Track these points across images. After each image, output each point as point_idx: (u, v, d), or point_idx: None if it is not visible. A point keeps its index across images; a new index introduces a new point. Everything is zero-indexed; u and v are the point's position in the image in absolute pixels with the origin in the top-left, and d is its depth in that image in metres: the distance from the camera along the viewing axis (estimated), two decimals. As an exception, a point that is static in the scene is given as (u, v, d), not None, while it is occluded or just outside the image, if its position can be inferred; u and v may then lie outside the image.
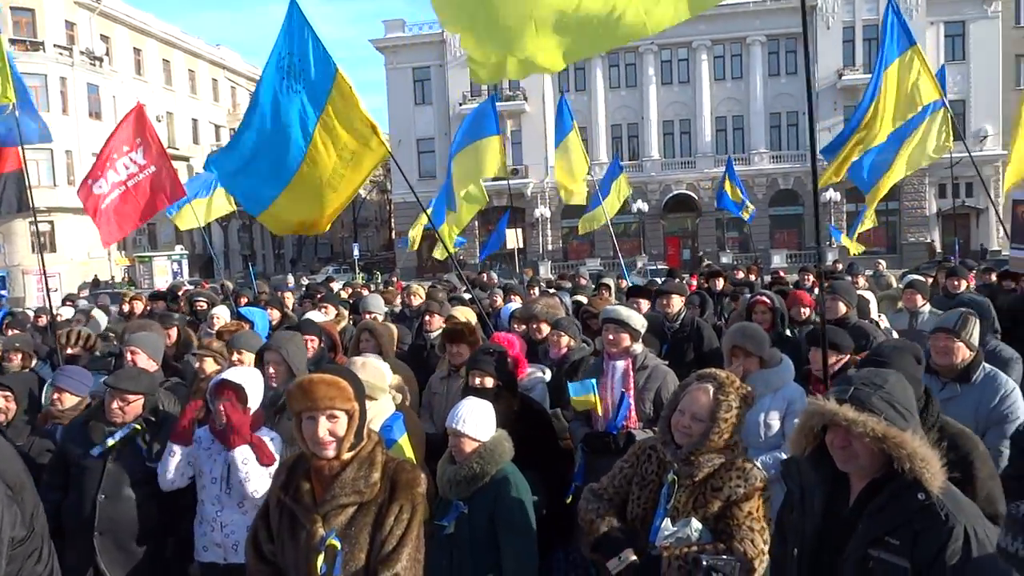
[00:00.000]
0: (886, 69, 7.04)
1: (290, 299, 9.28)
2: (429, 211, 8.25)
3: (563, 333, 4.97)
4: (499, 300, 8.12)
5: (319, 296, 8.38)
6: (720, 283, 9.08)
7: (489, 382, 3.60)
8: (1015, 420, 3.47)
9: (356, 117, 5.29)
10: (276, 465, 3.16)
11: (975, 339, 3.79)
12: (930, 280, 8.40)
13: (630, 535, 2.46)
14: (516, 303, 7.05)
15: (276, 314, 6.81)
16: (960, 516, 1.83)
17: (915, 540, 1.85)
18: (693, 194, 38.93)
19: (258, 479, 3.24)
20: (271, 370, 3.91)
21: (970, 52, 35.34)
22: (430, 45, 40.07)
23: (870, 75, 7.66)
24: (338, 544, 2.17)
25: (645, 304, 6.23)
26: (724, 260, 33.03)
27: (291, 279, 25.72)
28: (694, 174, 38.92)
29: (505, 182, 14.53)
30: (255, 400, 3.42)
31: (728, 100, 39.08)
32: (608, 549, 2.43)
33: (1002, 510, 2.34)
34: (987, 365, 3.81)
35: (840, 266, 14.43)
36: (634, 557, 2.38)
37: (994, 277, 8.61)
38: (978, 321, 3.82)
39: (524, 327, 5.75)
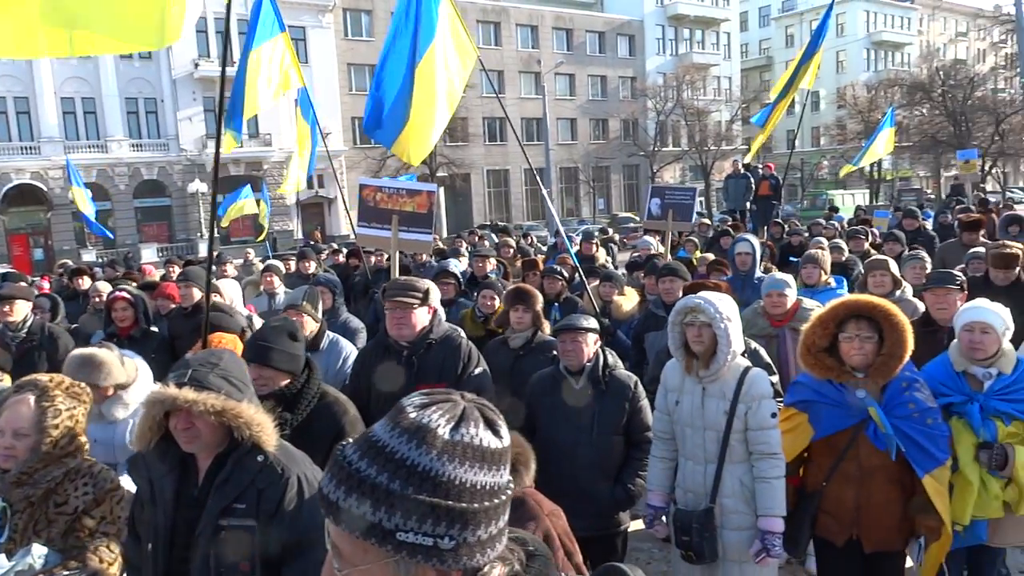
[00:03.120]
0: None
1: None
2: None
3: None
4: None
5: None
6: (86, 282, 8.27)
7: None
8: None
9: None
10: None
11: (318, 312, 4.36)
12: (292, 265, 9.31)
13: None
14: None
15: None
16: (293, 467, 2.07)
17: (259, 498, 2.02)
18: (40, 184, 34.23)
19: None
20: None
21: (311, 56, 39.47)
22: None
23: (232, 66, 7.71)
24: None
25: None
26: (87, 258, 30.09)
27: None
28: (39, 161, 34.20)
29: None
30: None
31: (74, 80, 35.36)
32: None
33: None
34: (331, 333, 4.44)
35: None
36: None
37: (341, 257, 10.25)
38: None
39: None
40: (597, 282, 5.90)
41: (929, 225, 12.12)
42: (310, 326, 4.22)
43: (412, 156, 5.88)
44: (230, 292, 6.14)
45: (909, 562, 3.60)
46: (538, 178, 8.31)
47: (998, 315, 3.49)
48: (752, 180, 15.72)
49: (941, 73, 41.15)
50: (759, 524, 3.20)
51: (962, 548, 3.56)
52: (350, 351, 4.37)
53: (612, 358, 3.87)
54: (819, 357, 3.33)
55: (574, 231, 24.13)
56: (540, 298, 4.96)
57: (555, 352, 3.95)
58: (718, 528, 3.26)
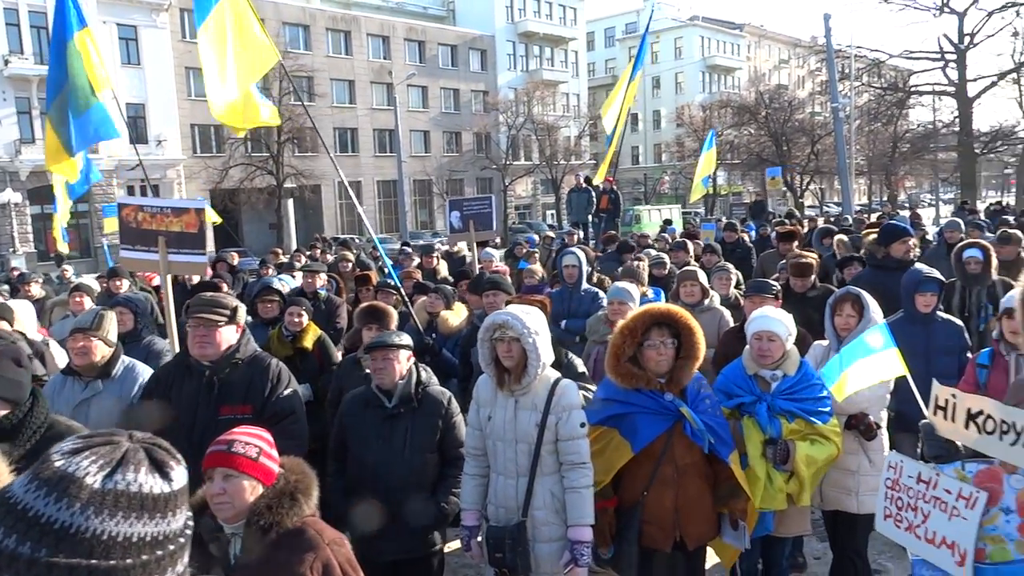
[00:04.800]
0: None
1: None
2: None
3: None
4: None
5: None
6: None
7: None
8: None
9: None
10: None
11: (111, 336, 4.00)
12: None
13: None
14: None
15: None
16: None
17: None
18: None
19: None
20: None
21: (144, 58, 36.95)
22: None
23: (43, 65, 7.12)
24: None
25: None
26: None
27: None
28: None
29: None
30: None
31: None
32: None
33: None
34: (127, 359, 4.09)
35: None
36: None
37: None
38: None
39: None
40: (424, 297, 5.83)
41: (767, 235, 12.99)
42: (101, 351, 3.87)
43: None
44: (23, 314, 5.57)
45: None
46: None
47: (782, 323, 3.75)
48: (593, 194, 16.31)
49: (766, 97, 44.61)
50: (568, 534, 3.24)
51: (755, 540, 3.78)
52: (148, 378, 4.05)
53: (426, 374, 3.82)
54: (627, 366, 3.43)
55: (428, 244, 24.02)
56: (394, 315, 4.84)
57: (368, 370, 3.84)
58: (530, 542, 3.28)
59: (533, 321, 3.28)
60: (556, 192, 45.66)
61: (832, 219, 19.93)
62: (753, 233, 15.41)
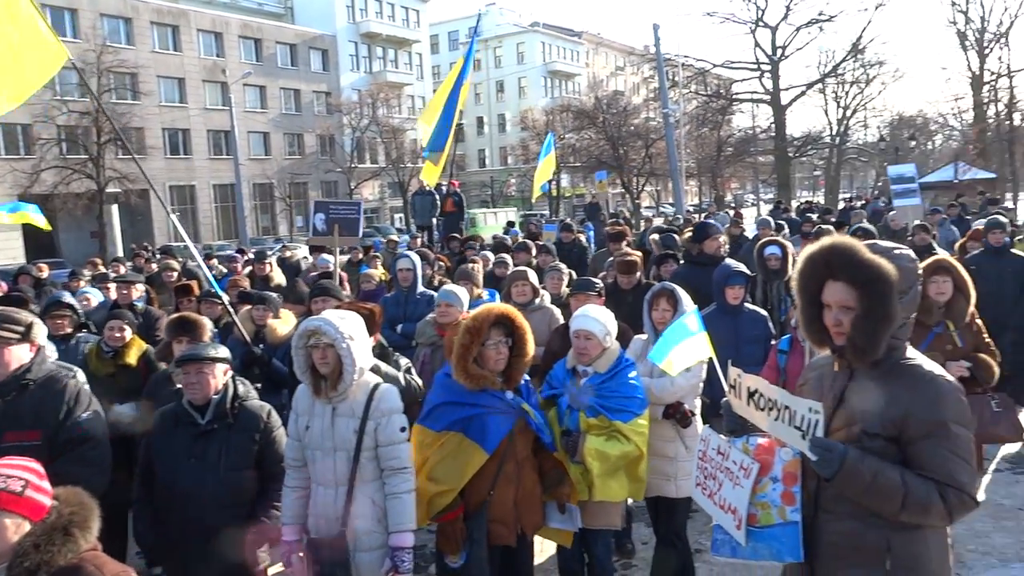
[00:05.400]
0: None
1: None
2: None
3: None
4: None
5: None
6: None
7: None
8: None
9: None
10: None
11: None
12: None
13: None
14: None
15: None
16: None
17: None
18: None
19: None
20: None
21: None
22: None
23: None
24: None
25: None
26: None
27: None
28: None
29: None
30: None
31: None
32: None
33: None
34: None
35: None
36: None
37: None
38: None
39: None
40: (249, 306, 5.56)
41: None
42: None
43: None
44: None
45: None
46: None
47: (599, 322, 3.88)
48: (438, 197, 16.29)
49: (603, 102, 46.48)
50: (390, 541, 3.19)
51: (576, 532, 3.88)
52: None
53: (244, 387, 3.63)
54: (475, 367, 3.44)
55: (271, 249, 23.03)
56: (207, 326, 4.55)
57: (180, 385, 3.60)
58: (351, 552, 3.20)
59: (348, 326, 3.20)
60: (403, 195, 45.29)
61: (668, 219, 21.08)
62: (591, 233, 16.02)
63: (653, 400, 4.23)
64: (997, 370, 4.50)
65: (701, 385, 4.37)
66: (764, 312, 5.47)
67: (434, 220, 16.20)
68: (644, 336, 4.58)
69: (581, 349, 3.83)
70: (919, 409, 2.11)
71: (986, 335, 4.66)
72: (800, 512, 2.24)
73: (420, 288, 6.36)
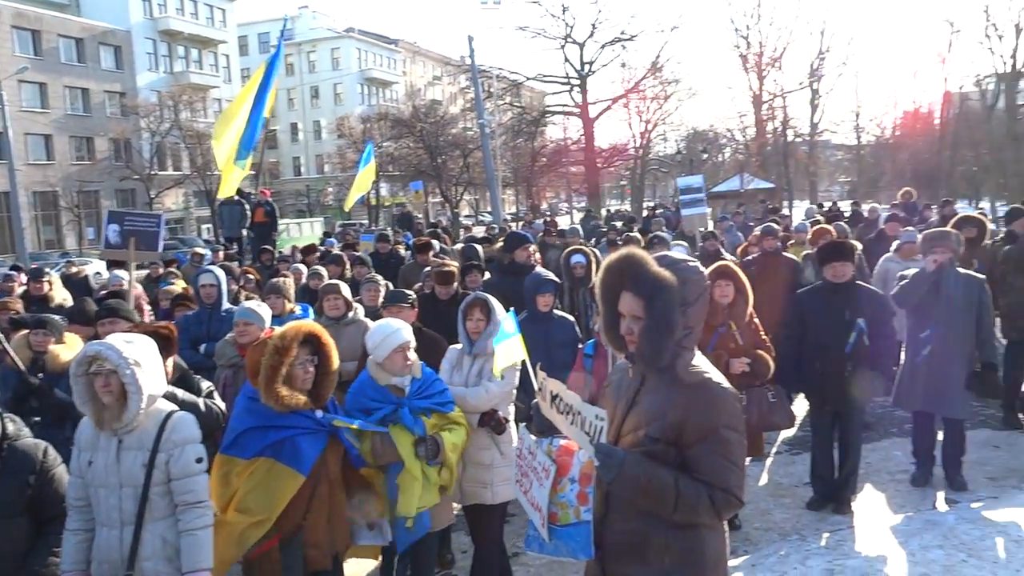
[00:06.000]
0: None
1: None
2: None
3: None
4: None
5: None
6: None
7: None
8: None
9: None
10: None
11: None
12: None
13: None
14: None
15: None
16: None
17: None
18: None
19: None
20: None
21: None
22: None
23: None
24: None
25: None
26: None
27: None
28: None
29: None
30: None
31: None
32: None
33: None
34: None
35: None
36: None
37: None
38: None
39: None
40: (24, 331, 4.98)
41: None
42: None
43: None
44: None
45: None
46: None
47: (409, 330, 3.89)
48: (247, 207, 15.53)
49: (421, 111, 46.62)
50: (185, 582, 2.97)
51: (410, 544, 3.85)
52: None
53: (13, 425, 3.25)
54: (285, 388, 3.29)
55: (55, 265, 20.77)
56: None
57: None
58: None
59: (134, 351, 2.95)
60: (211, 205, 42.69)
61: (488, 227, 21.45)
62: (410, 243, 15.98)
63: (468, 409, 4.29)
64: (773, 365, 5.01)
65: (514, 392, 4.49)
66: (571, 318, 5.72)
67: (244, 231, 15.41)
68: (459, 346, 4.64)
69: (405, 362, 3.82)
70: (695, 415, 2.21)
71: (763, 333, 5.17)
72: (592, 512, 2.35)
73: (225, 305, 6.02)
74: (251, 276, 8.81)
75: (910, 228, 8.80)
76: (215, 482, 3.24)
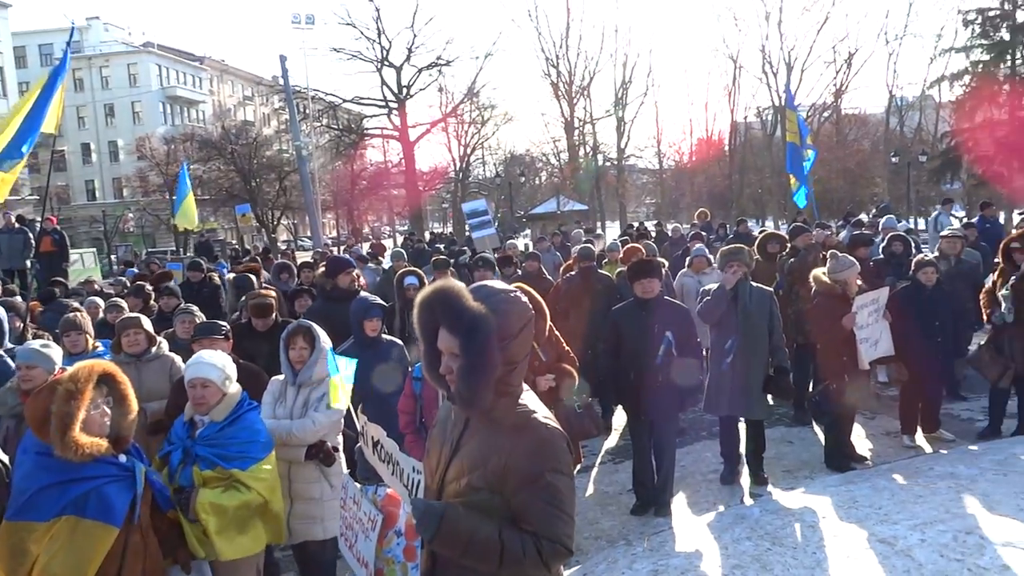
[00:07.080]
0: None
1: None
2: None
3: None
4: None
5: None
6: None
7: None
8: None
9: None
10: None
11: None
12: None
13: None
14: None
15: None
16: None
17: None
18: None
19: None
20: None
21: None
22: None
23: None
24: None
25: None
26: None
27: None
28: None
29: None
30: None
31: None
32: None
33: None
34: None
35: None
36: None
37: None
38: None
39: None
40: None
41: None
42: None
43: None
44: None
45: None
46: None
47: (215, 367, 3.65)
48: (31, 235, 13.98)
49: (231, 132, 44.44)
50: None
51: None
52: None
53: None
54: (81, 436, 2.97)
55: None
56: None
57: None
58: None
59: None
60: (-13, 232, 38.02)
61: (315, 252, 20.73)
62: (225, 271, 15.10)
63: (295, 442, 4.11)
64: (577, 376, 5.07)
65: (342, 422, 4.35)
66: (400, 342, 5.65)
67: (28, 262, 13.82)
68: (281, 377, 4.43)
69: (199, 399, 3.57)
70: (518, 460, 2.02)
71: (563, 343, 5.20)
72: (419, 568, 2.19)
73: (7, 345, 5.36)
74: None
75: (700, 244, 9.64)
76: (4, 555, 2.85)
